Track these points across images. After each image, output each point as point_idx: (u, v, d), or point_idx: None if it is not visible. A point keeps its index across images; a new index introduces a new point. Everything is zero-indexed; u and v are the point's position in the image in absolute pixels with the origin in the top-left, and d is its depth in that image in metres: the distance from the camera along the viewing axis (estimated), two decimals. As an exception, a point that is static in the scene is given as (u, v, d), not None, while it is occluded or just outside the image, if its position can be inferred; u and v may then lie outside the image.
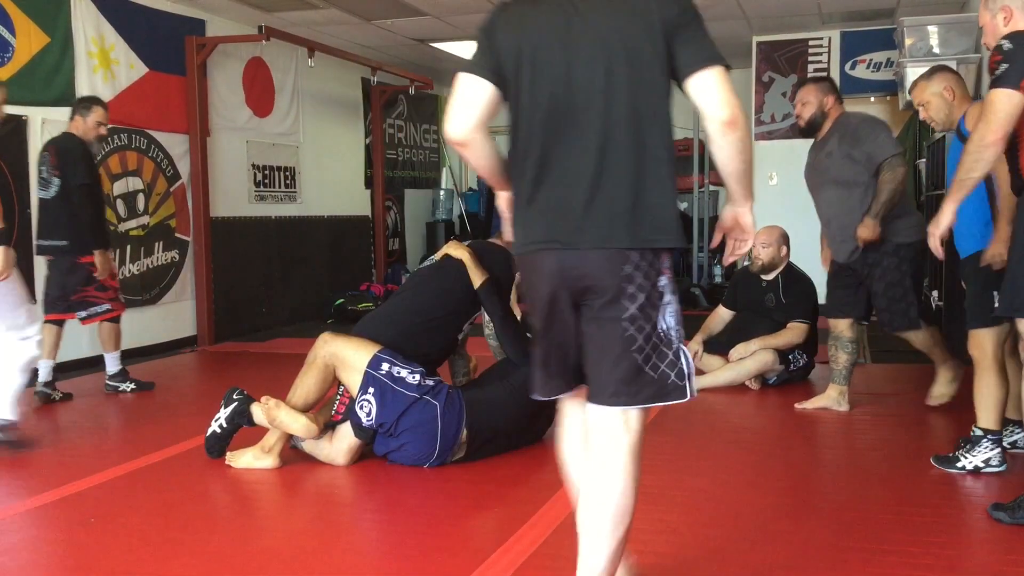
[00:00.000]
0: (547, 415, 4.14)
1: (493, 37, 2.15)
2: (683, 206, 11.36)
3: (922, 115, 4.00)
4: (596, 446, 2.15)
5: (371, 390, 3.68)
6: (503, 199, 2.28)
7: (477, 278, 4.00)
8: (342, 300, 9.13)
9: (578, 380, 2.21)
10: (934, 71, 3.96)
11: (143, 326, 6.97)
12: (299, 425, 3.74)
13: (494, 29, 2.16)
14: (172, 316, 6.99)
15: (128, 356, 5.95)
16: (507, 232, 2.25)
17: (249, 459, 3.84)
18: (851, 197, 4.44)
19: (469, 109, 2.13)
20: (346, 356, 3.77)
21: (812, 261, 5.20)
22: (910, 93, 4.09)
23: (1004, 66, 2.88)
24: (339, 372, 3.80)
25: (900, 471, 3.74)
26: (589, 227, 2.06)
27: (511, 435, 3.95)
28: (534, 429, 4.09)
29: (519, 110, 2.13)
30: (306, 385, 3.81)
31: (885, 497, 3.33)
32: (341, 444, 3.82)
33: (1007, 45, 2.90)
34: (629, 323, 2.07)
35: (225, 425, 3.89)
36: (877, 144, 4.38)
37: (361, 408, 3.71)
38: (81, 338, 6.05)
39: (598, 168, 2.06)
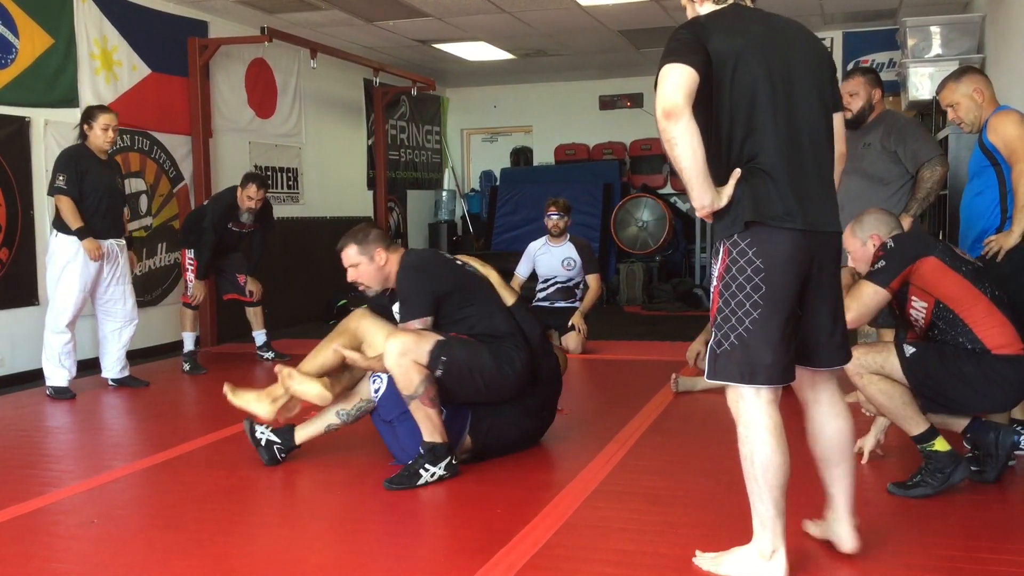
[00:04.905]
0: (546, 422, 4.12)
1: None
2: (686, 207, 11.38)
3: (950, 116, 4.00)
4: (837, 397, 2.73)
5: (387, 375, 3.68)
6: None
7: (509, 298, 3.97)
8: (344, 301, 9.12)
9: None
10: (963, 72, 3.95)
11: (145, 327, 6.97)
12: (314, 392, 3.75)
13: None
14: (174, 317, 6.99)
15: (130, 357, 5.97)
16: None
17: (251, 399, 3.83)
18: (876, 192, 4.49)
19: None
20: (373, 338, 3.80)
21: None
22: (937, 94, 4.08)
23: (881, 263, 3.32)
24: (364, 347, 3.82)
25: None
26: None
27: (517, 444, 3.95)
28: (537, 436, 4.10)
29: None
30: (332, 346, 3.78)
31: (886, 497, 3.32)
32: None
33: (890, 244, 3.35)
34: None
35: (275, 441, 3.87)
36: (922, 144, 4.48)
37: (373, 382, 3.77)
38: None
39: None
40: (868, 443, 3.72)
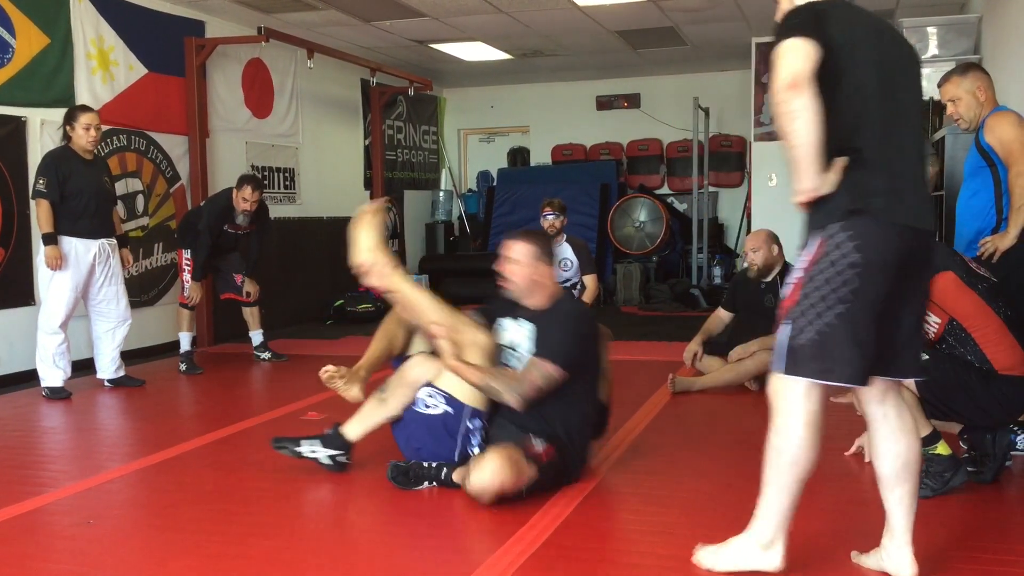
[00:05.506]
0: None
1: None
2: (683, 207, 11.38)
3: (950, 110, 3.98)
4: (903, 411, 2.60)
5: (449, 409, 3.56)
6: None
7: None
8: (341, 301, 9.13)
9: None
10: (967, 68, 3.94)
11: (142, 327, 6.96)
12: (351, 395, 3.73)
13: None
14: (171, 317, 6.98)
15: (127, 357, 5.97)
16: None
17: (340, 383, 3.75)
18: None
19: None
20: (470, 354, 3.53)
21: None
22: (939, 87, 4.05)
23: None
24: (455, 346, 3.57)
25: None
26: None
27: None
28: None
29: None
30: (434, 322, 3.56)
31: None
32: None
33: None
34: None
35: (332, 454, 3.76)
36: None
37: (431, 396, 3.58)
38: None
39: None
40: (867, 441, 3.71)
